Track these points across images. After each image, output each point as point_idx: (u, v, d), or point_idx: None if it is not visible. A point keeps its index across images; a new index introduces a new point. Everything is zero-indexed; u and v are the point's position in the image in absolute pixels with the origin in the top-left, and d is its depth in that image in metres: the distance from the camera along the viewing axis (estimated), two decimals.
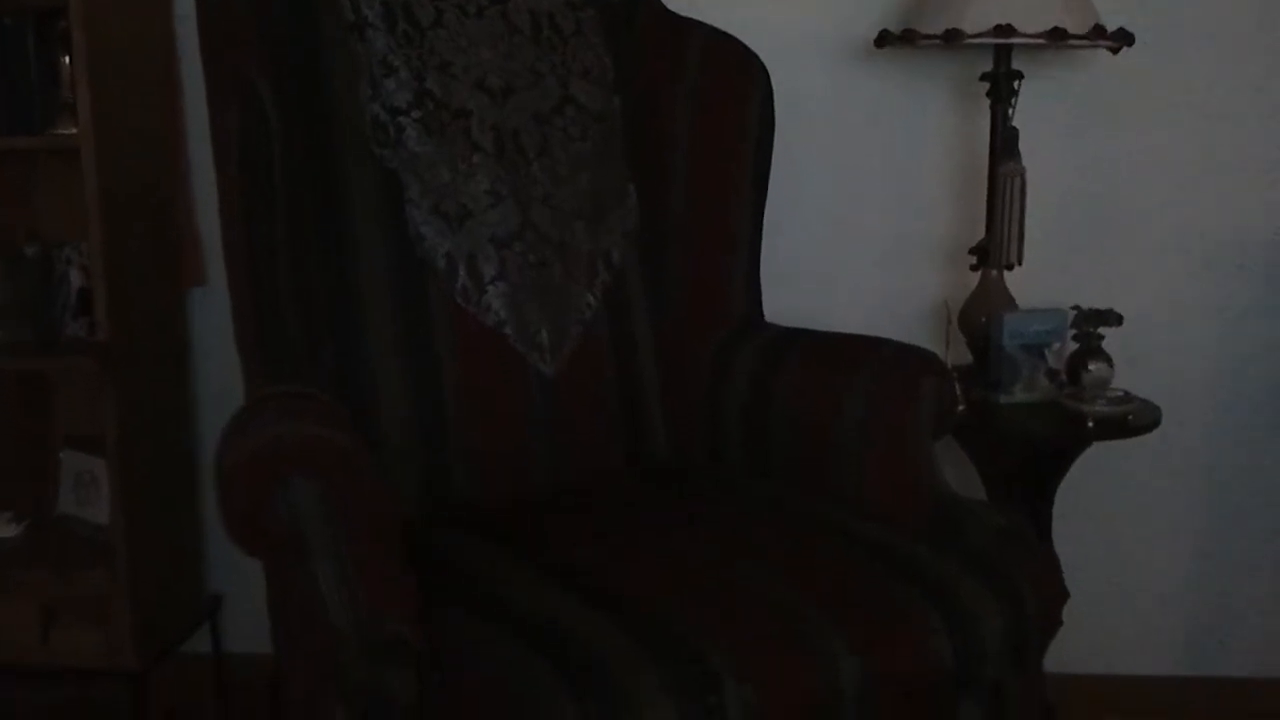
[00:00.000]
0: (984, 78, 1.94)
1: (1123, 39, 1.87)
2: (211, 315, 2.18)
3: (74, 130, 1.90)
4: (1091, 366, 1.86)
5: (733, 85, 1.93)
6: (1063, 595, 1.88)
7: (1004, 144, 1.92)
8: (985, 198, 1.96)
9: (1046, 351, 1.90)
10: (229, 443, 1.32)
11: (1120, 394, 1.85)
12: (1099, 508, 2.17)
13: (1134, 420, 1.83)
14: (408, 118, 1.73)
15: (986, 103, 1.95)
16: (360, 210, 1.71)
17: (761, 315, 1.97)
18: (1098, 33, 1.84)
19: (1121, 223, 2.11)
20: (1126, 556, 2.21)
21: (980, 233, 1.98)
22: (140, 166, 2.04)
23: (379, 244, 1.70)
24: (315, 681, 1.26)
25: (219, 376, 2.15)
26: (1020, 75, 1.92)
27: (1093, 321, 1.87)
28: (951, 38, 1.81)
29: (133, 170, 2.00)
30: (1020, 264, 1.93)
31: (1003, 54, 1.91)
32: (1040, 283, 2.03)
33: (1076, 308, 1.91)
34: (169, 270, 2.14)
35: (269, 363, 1.60)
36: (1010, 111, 1.93)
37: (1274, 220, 2.10)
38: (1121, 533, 2.20)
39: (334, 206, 1.70)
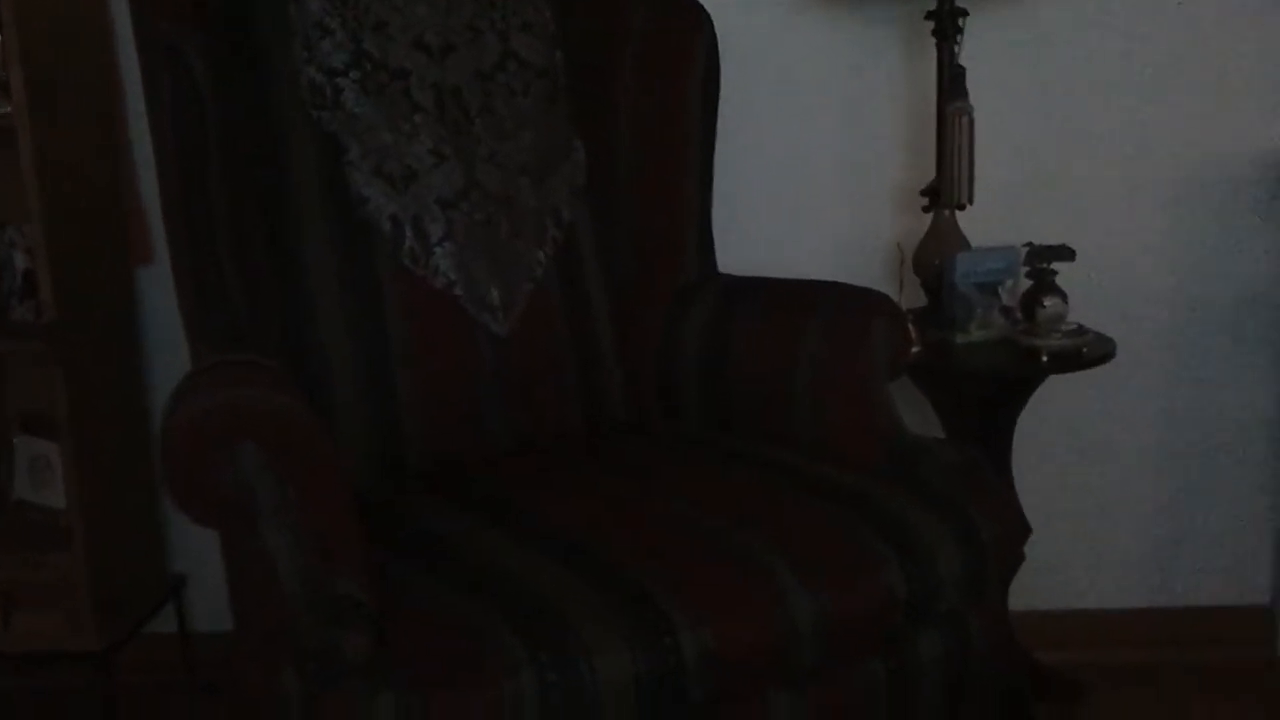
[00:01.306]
0: (929, 16, 1.93)
1: None
2: (161, 292, 2.15)
3: (8, 109, 1.86)
4: (1046, 302, 1.85)
5: (677, 34, 1.91)
6: (1024, 530, 1.90)
7: (951, 83, 1.90)
8: (935, 138, 1.95)
9: (1000, 289, 1.89)
10: (173, 410, 1.31)
11: (1074, 328, 1.85)
12: (1058, 444, 2.18)
13: (1088, 352, 1.83)
14: (345, 79, 1.70)
15: (932, 41, 1.94)
16: (300, 175, 1.68)
17: (714, 266, 1.96)
18: None
19: (1071, 158, 2.11)
20: (1088, 490, 2.22)
21: (932, 174, 1.98)
22: (80, 144, 2.00)
23: (320, 209, 1.68)
24: (268, 646, 1.25)
25: (171, 354, 2.12)
26: (965, 13, 1.91)
27: (1045, 257, 1.87)
28: None
29: (72, 148, 1.97)
30: (971, 203, 1.92)
31: None
32: (994, 221, 2.02)
33: (1029, 245, 1.90)
34: (115, 249, 2.11)
35: (213, 332, 1.59)
36: (956, 50, 1.92)
37: (1225, 152, 2.09)
38: (1082, 467, 2.21)
39: (273, 172, 1.68)
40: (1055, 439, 2.17)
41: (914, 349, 1.80)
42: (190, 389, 1.33)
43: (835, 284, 1.79)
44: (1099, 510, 2.23)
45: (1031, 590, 2.05)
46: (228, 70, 1.66)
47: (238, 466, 1.25)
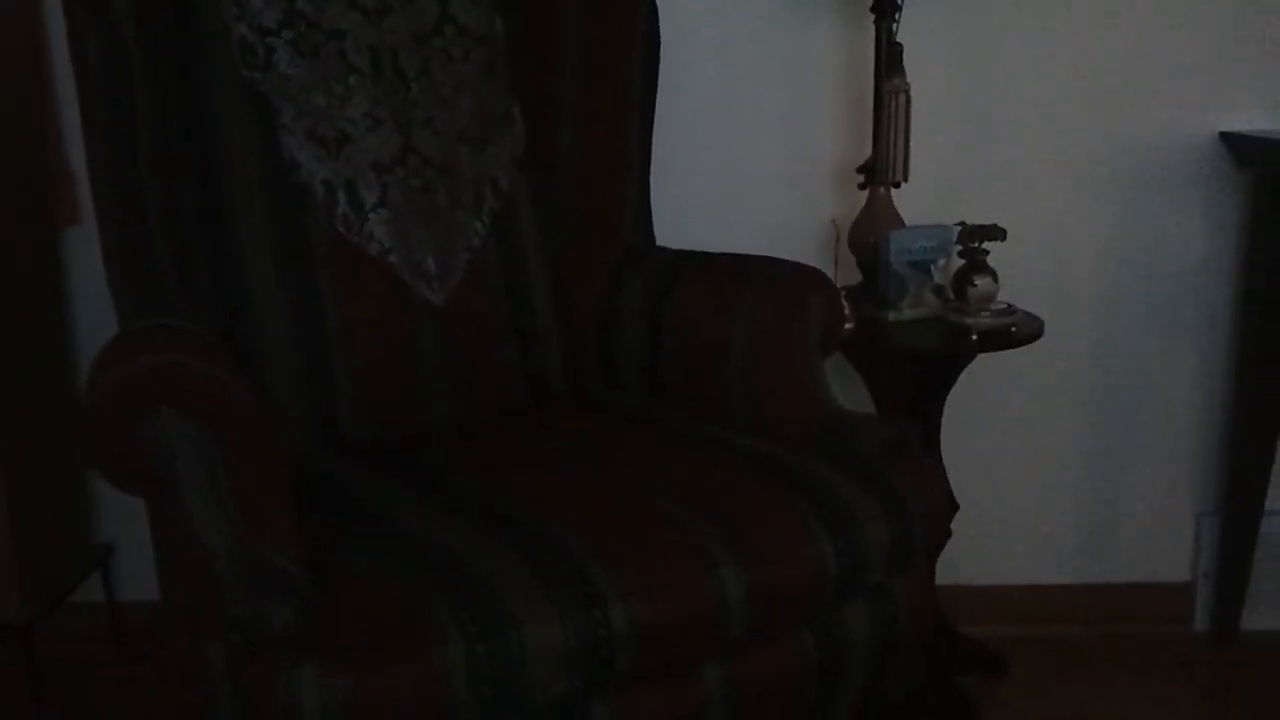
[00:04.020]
0: None
1: None
2: (89, 254, 2.11)
3: None
4: (977, 281, 1.87)
5: (618, 4, 1.90)
6: (951, 507, 1.93)
7: (888, 61, 1.91)
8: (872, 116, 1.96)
9: (933, 268, 1.91)
10: (97, 376, 1.28)
11: (1004, 307, 1.87)
12: (986, 421, 2.21)
13: (1017, 332, 1.85)
14: (278, 39, 1.67)
15: (871, 19, 1.94)
16: (231, 138, 1.65)
17: (653, 239, 1.96)
18: None
19: (1006, 138, 2.13)
20: (1015, 468, 2.25)
21: (869, 150, 1.98)
22: (4, 103, 1.95)
23: (252, 173, 1.65)
24: (193, 616, 1.23)
25: (99, 319, 2.08)
26: None
27: (977, 237, 1.89)
28: None
29: None
30: (906, 181, 1.93)
31: None
32: (928, 200, 2.04)
33: (962, 224, 1.92)
34: (41, 210, 2.06)
35: (140, 297, 1.56)
36: (894, 27, 1.93)
37: (1158, 136, 2.13)
38: (1010, 445, 2.25)
39: (203, 135, 1.65)
40: (984, 416, 2.20)
41: (848, 325, 1.82)
42: (115, 354, 1.30)
43: (771, 259, 1.79)
44: (1025, 487, 2.27)
45: (957, 565, 2.09)
46: (155, 28, 1.61)
47: (163, 434, 1.23)
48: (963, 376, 1.95)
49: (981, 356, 1.90)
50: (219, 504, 1.24)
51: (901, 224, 1.95)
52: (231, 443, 1.26)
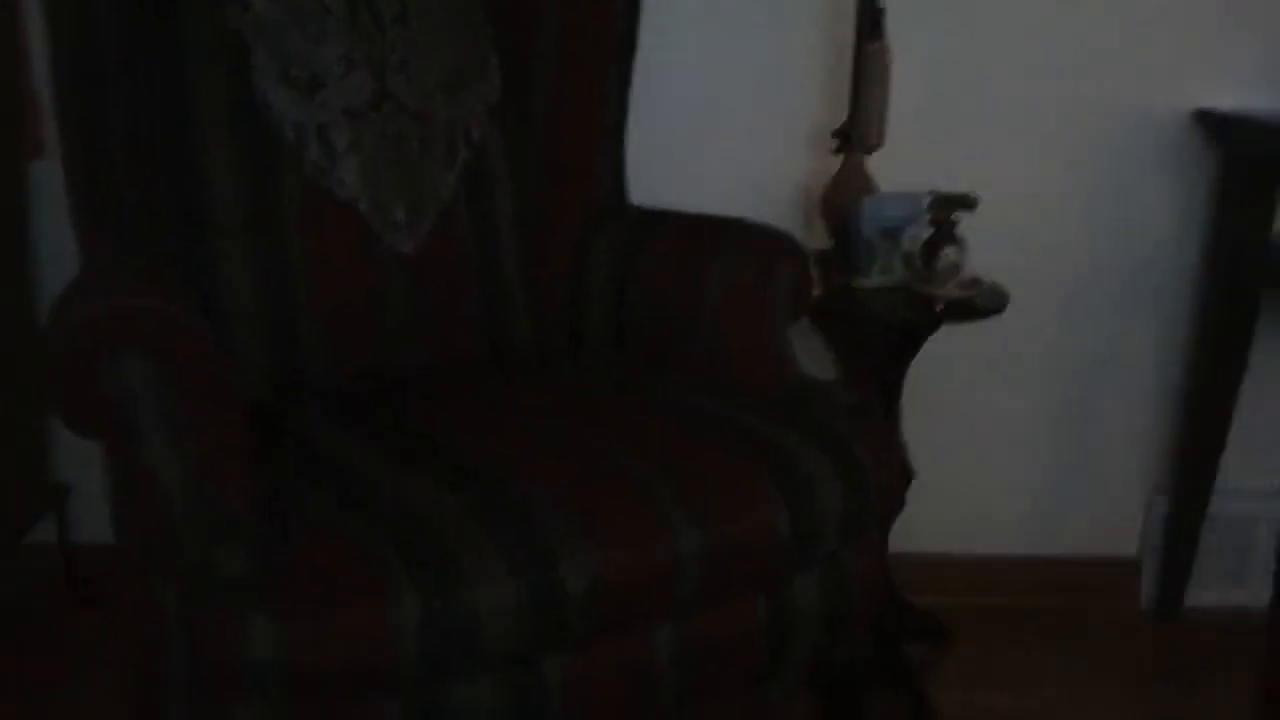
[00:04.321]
0: None
1: None
2: (56, 189, 2.07)
3: None
4: (944, 251, 1.88)
5: None
6: (908, 476, 1.94)
7: (870, 22, 1.90)
8: (850, 79, 1.95)
9: (902, 236, 1.91)
10: (57, 316, 1.28)
11: (970, 278, 1.88)
12: (946, 392, 2.22)
13: (981, 304, 1.86)
14: None
15: None
16: (202, 75, 1.62)
17: (625, 197, 1.95)
18: None
19: (983, 108, 2.12)
20: (972, 439, 2.27)
21: (845, 115, 1.98)
22: None
23: (222, 111, 1.63)
24: (147, 560, 1.23)
25: (62, 255, 2.05)
26: None
27: (947, 206, 1.88)
28: None
29: None
30: (882, 145, 1.93)
31: None
32: (901, 166, 2.04)
33: (933, 192, 1.92)
34: (6, 143, 2.03)
35: (104, 236, 1.55)
36: None
37: (1134, 110, 2.13)
38: (968, 416, 2.26)
39: (174, 71, 1.62)
40: (944, 387, 2.21)
41: (815, 290, 1.82)
42: (75, 295, 1.29)
43: (742, 221, 1.79)
44: (980, 459, 2.28)
45: (909, 534, 2.11)
46: None
47: (122, 376, 1.21)
48: (926, 345, 1.96)
49: (946, 326, 1.91)
50: (176, 448, 1.23)
51: (875, 190, 1.95)
52: (190, 386, 1.25)
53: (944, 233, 1.88)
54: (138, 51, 1.59)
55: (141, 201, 1.59)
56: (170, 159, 1.62)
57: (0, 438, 1.98)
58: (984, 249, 1.97)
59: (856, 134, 1.92)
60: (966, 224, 1.90)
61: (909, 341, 1.93)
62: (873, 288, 1.91)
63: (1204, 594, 2.30)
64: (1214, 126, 2.09)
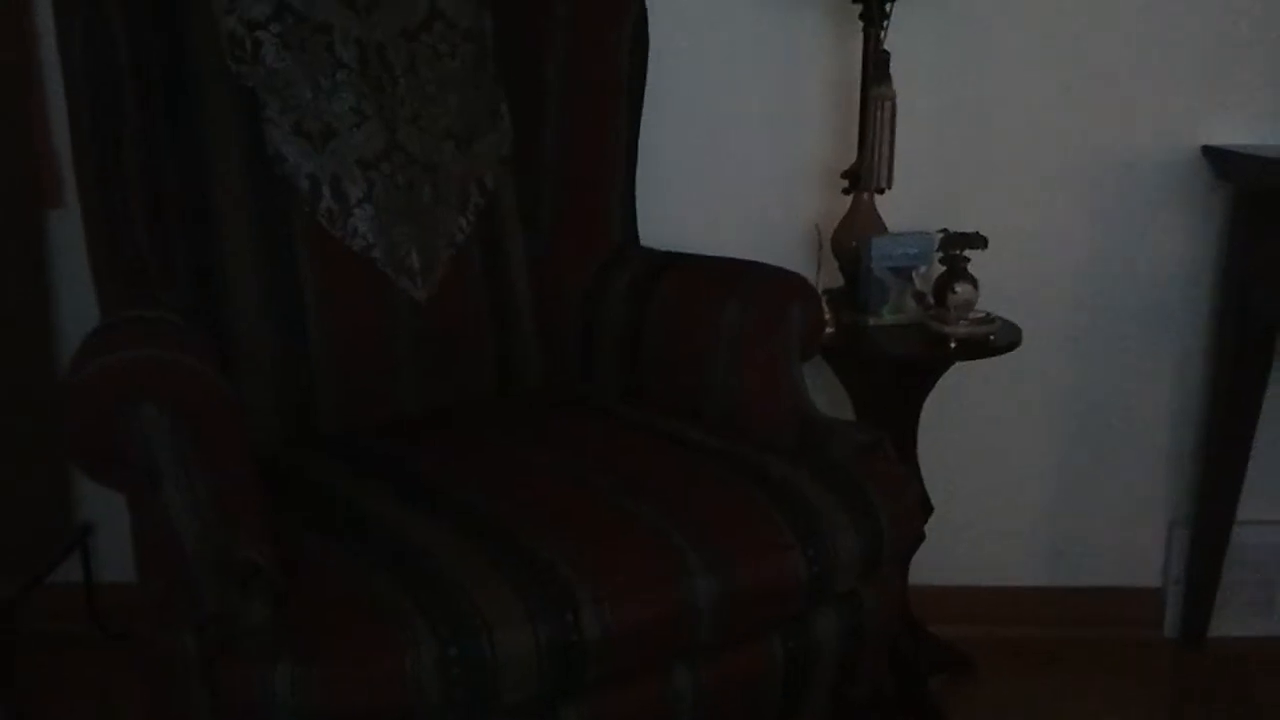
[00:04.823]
0: (856, 0, 1.94)
1: None
2: (73, 237, 2.10)
3: None
4: (957, 289, 1.89)
5: (606, 5, 1.91)
6: (926, 510, 1.95)
7: (875, 68, 1.92)
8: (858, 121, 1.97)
9: (914, 274, 1.92)
10: (76, 367, 1.29)
11: (983, 315, 1.89)
12: (964, 425, 2.23)
13: (995, 340, 1.87)
14: (266, 32, 1.67)
15: (860, 25, 1.95)
16: (217, 130, 1.65)
17: (637, 240, 1.97)
18: None
19: (990, 147, 2.14)
20: (991, 472, 2.27)
21: (854, 155, 1.99)
22: None
23: (237, 165, 1.65)
24: (168, 606, 1.24)
25: (81, 301, 2.08)
26: None
27: (959, 244, 1.90)
28: None
29: None
30: (890, 188, 1.94)
31: None
32: (911, 206, 2.06)
33: (944, 231, 1.93)
34: (24, 192, 2.06)
35: (122, 286, 1.56)
36: (882, 35, 1.93)
37: (1141, 147, 2.14)
38: (987, 450, 2.26)
39: (190, 126, 1.65)
40: (962, 420, 2.22)
41: (828, 330, 1.83)
42: (93, 348, 1.30)
43: (755, 264, 1.80)
44: (999, 491, 2.28)
45: (931, 566, 2.11)
46: (145, 17, 1.61)
47: (139, 428, 1.23)
48: (941, 380, 1.97)
49: (963, 362, 1.92)
50: (194, 498, 1.25)
51: (884, 230, 1.97)
52: (207, 438, 1.27)
53: (956, 270, 1.89)
54: (154, 109, 1.61)
55: (157, 251, 1.61)
56: (185, 210, 1.65)
57: (24, 477, 2.01)
58: (995, 286, 1.98)
59: (865, 175, 1.94)
60: (978, 261, 1.91)
61: (923, 378, 1.94)
62: (884, 325, 1.92)
63: (1228, 624, 2.28)
64: (1222, 163, 2.10)
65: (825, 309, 1.81)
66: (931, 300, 1.92)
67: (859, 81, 1.97)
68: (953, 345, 1.85)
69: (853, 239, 1.95)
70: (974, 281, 1.90)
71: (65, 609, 2.18)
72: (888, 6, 1.92)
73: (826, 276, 2.01)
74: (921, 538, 1.91)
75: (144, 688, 1.36)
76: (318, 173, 1.68)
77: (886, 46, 1.92)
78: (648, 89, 1.93)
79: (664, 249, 1.92)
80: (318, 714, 1.17)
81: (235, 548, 1.23)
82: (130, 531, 1.39)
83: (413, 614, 1.20)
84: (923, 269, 1.93)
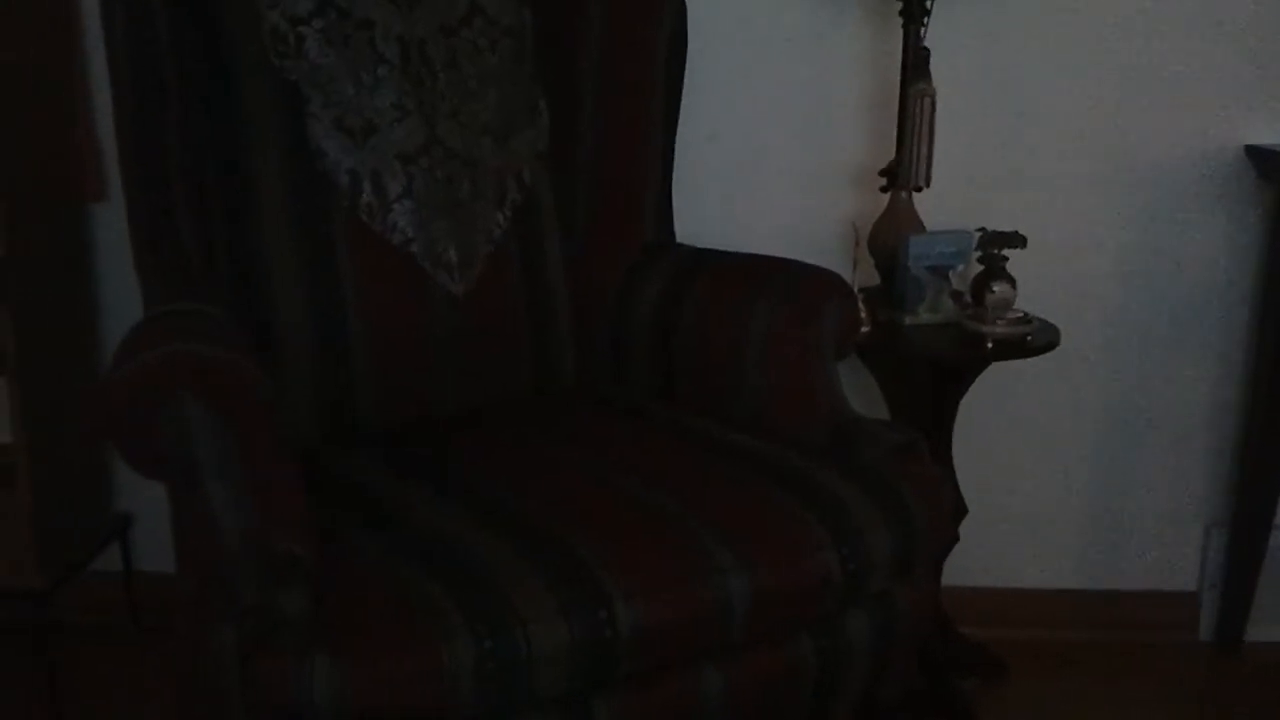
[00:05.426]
0: None
1: None
2: (116, 229, 2.13)
3: None
4: (995, 288, 1.87)
5: (642, 4, 1.91)
6: (960, 511, 1.94)
7: (915, 64, 1.91)
8: (896, 119, 1.96)
9: (951, 273, 1.91)
10: (119, 361, 1.31)
11: (1020, 315, 1.87)
12: (999, 426, 2.22)
13: (1032, 341, 1.85)
14: (309, 27, 1.68)
15: (899, 22, 1.94)
16: (258, 124, 1.67)
17: (673, 237, 1.97)
18: None
19: (1030, 145, 2.12)
20: (1026, 474, 2.26)
21: (891, 154, 1.99)
22: (35, 79, 1.97)
23: (278, 159, 1.67)
24: (207, 601, 1.26)
25: (124, 293, 2.10)
26: None
27: (997, 243, 1.89)
28: None
29: (26, 83, 1.94)
30: (928, 186, 1.93)
31: None
32: (949, 205, 2.04)
33: (982, 230, 1.92)
34: (68, 185, 2.09)
35: (165, 280, 1.58)
36: (922, 32, 1.92)
37: (1181, 147, 2.12)
38: (1023, 451, 2.25)
39: (231, 120, 1.66)
40: (997, 420, 2.21)
41: (863, 328, 1.83)
42: (134, 342, 1.32)
43: (789, 262, 1.80)
44: (1035, 492, 2.27)
45: (965, 567, 2.10)
46: (188, 12, 1.63)
47: (179, 421, 1.25)
48: (977, 380, 1.96)
49: (999, 362, 1.91)
50: (233, 490, 1.26)
51: (922, 228, 1.96)
52: (246, 430, 1.28)
53: (994, 270, 1.88)
54: (196, 104, 1.63)
55: (200, 245, 1.63)
56: (227, 205, 1.66)
57: (64, 467, 2.03)
58: (1033, 285, 1.96)
59: (903, 173, 1.93)
60: (1016, 260, 1.90)
61: (960, 378, 1.93)
62: (921, 325, 1.91)
63: (1264, 628, 2.26)
64: (1265, 162, 2.07)
65: (861, 308, 1.80)
66: (969, 300, 1.91)
67: (897, 80, 1.96)
68: (989, 345, 1.84)
69: (890, 237, 1.95)
70: (1012, 281, 1.88)
71: (102, 600, 2.20)
72: (928, 3, 1.91)
73: (863, 275, 2.00)
74: (955, 539, 1.90)
75: (174, 680, 1.38)
76: (358, 168, 1.69)
77: (925, 44, 1.91)
78: (684, 85, 1.93)
79: (699, 245, 1.91)
80: (353, 708, 1.18)
81: (275, 540, 1.24)
82: (171, 525, 1.42)
83: (449, 610, 1.21)
84: (960, 268, 1.92)
